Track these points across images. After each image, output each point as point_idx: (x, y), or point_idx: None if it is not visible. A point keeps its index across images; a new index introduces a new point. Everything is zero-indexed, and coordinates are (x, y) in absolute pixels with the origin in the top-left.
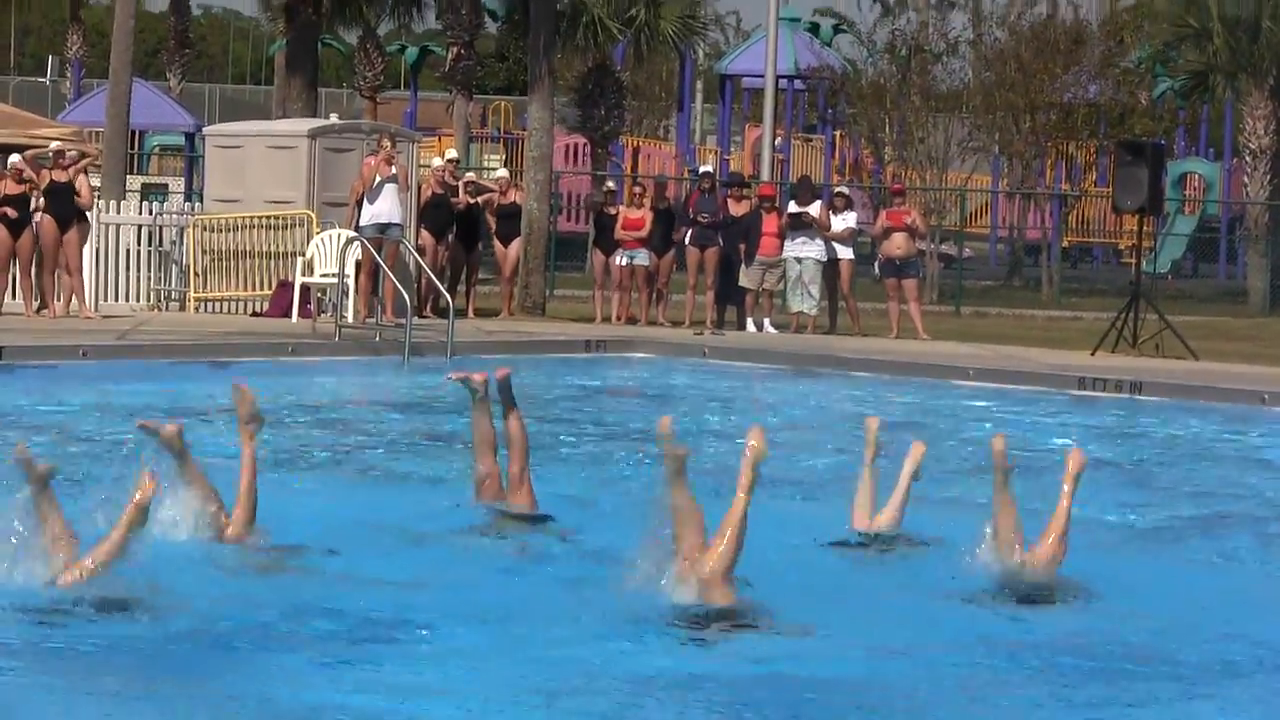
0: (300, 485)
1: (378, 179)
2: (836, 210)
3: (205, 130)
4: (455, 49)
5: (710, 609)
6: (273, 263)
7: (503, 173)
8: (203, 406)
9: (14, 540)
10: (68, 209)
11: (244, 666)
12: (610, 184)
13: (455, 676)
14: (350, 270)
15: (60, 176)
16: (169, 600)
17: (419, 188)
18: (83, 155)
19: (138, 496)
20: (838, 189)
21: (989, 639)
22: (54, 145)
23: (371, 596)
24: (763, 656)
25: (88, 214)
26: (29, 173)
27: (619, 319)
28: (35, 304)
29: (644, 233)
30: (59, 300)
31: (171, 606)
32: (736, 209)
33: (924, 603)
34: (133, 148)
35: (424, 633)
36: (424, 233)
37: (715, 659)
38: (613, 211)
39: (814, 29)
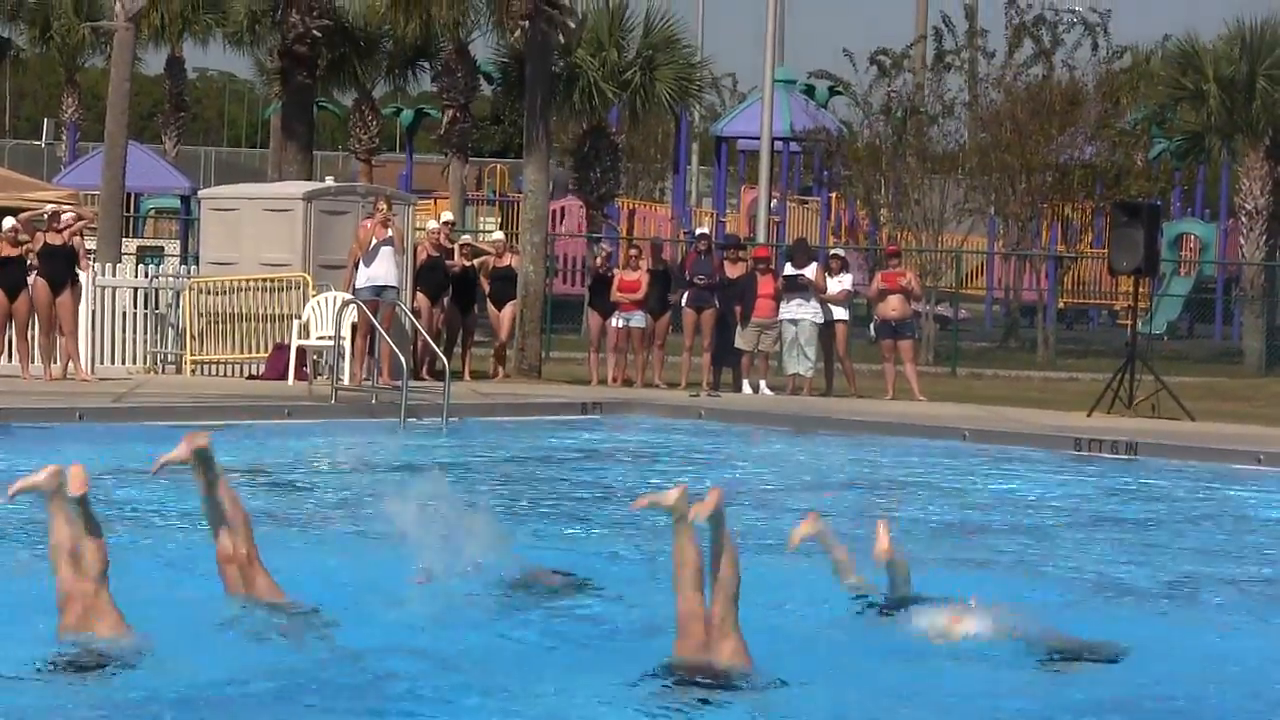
0: (296, 546)
1: (374, 242)
2: (832, 272)
3: (201, 193)
4: (451, 112)
5: (716, 666)
6: (269, 325)
7: (498, 235)
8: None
9: None
10: (62, 271)
11: None
12: (605, 246)
13: None
14: (346, 333)
15: (54, 239)
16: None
17: (414, 250)
18: (79, 218)
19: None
20: (834, 251)
21: (990, 696)
22: (49, 208)
23: (365, 658)
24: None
25: (81, 276)
26: (24, 235)
27: (615, 381)
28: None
29: (640, 295)
30: (55, 363)
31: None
32: (732, 271)
33: (926, 664)
34: (128, 210)
35: (414, 693)
36: (419, 295)
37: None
38: (611, 275)
39: (809, 91)
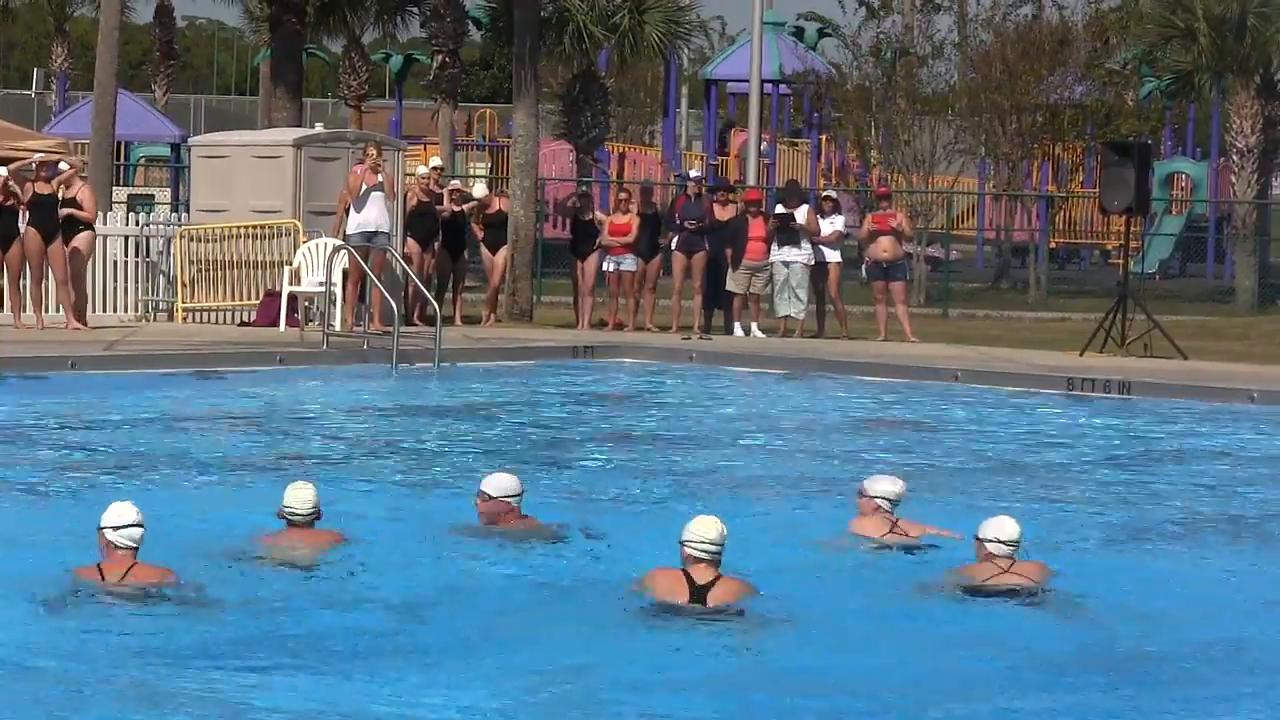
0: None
1: (364, 188)
2: (824, 214)
3: (191, 141)
4: (440, 57)
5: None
6: (260, 272)
7: (482, 189)
8: (191, 416)
9: None
10: (51, 221)
11: (224, 670)
12: (584, 189)
13: (448, 680)
14: (337, 279)
15: (44, 189)
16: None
17: (405, 196)
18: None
19: None
20: (825, 192)
21: (984, 637)
22: (37, 157)
23: (362, 602)
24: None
25: (93, 225)
26: (14, 185)
27: (607, 325)
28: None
29: (630, 238)
30: (53, 311)
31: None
32: (723, 214)
33: (919, 602)
34: (118, 159)
35: (414, 636)
36: (410, 241)
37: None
38: (588, 218)
39: (798, 33)
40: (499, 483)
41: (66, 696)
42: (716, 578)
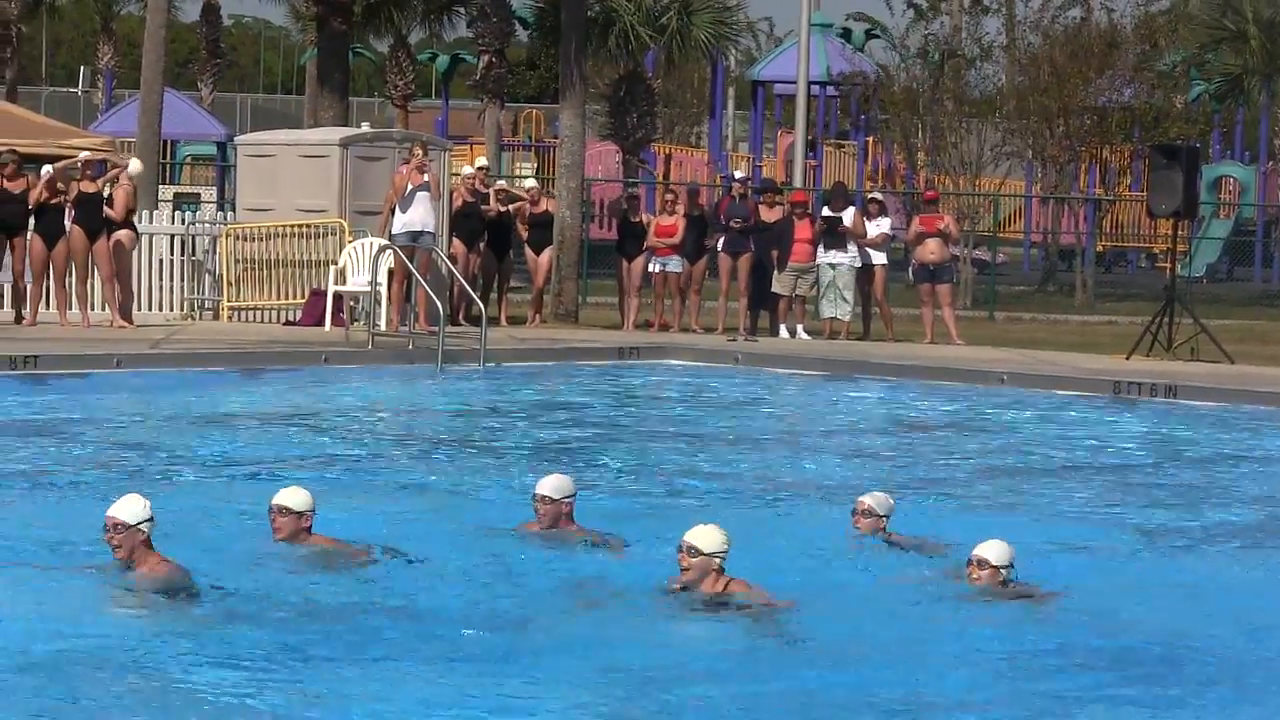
0: (334, 491)
1: (409, 187)
2: (870, 216)
3: (237, 139)
4: (486, 57)
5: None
6: (305, 271)
7: (533, 183)
8: (235, 414)
9: None
10: (96, 220)
11: (271, 663)
12: (632, 190)
13: (483, 674)
14: (383, 279)
15: (89, 188)
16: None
17: (450, 196)
18: (112, 166)
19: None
20: (871, 194)
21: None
22: (83, 155)
23: (403, 599)
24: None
25: (133, 224)
26: (61, 184)
27: (652, 326)
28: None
29: (676, 239)
30: (98, 310)
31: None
32: (769, 215)
33: (950, 604)
34: (165, 158)
35: (456, 633)
36: (455, 241)
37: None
38: (636, 219)
39: (846, 34)
40: (559, 484)
41: (110, 690)
42: (727, 583)
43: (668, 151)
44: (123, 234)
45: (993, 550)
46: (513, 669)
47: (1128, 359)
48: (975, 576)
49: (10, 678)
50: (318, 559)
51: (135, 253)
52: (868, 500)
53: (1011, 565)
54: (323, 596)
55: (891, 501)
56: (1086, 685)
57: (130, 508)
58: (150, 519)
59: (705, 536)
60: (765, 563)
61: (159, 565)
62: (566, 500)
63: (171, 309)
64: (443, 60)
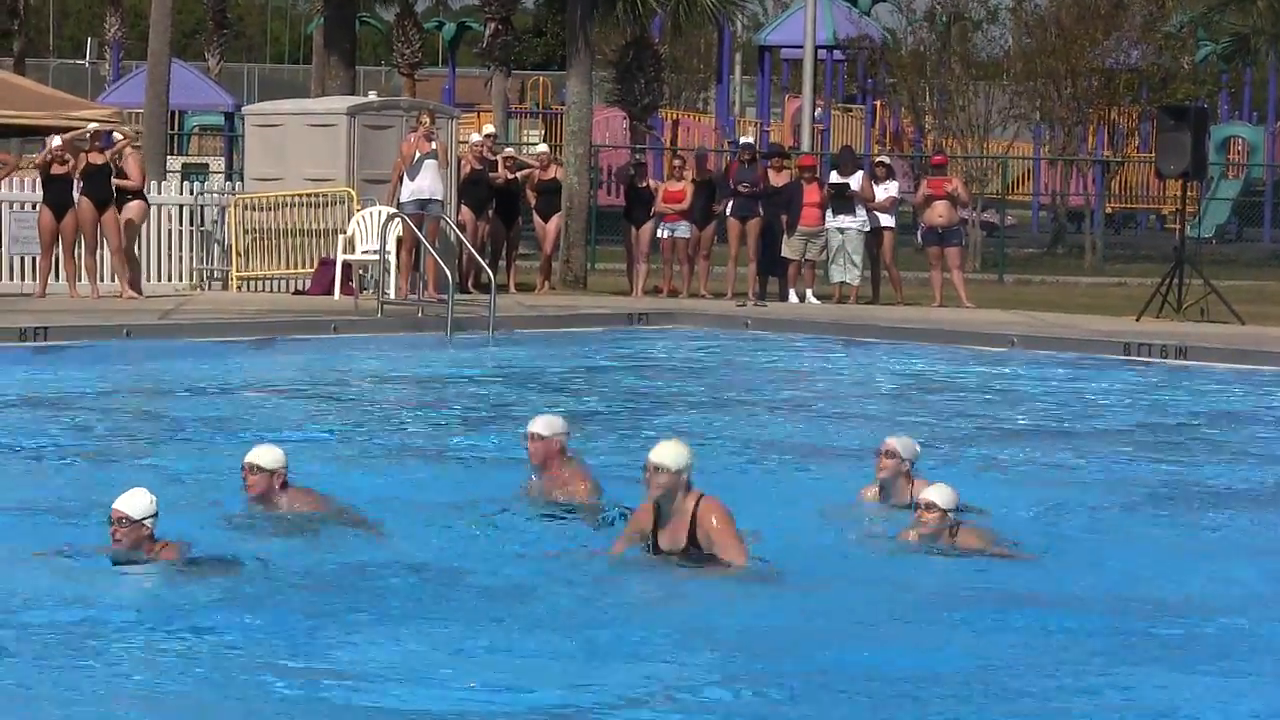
0: (346, 459)
1: (417, 155)
2: (878, 179)
3: (244, 110)
4: (493, 25)
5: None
6: (314, 240)
7: (543, 148)
8: (246, 384)
9: None
10: (104, 191)
11: (273, 629)
12: (638, 156)
13: (486, 644)
14: (391, 247)
15: (97, 159)
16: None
17: (458, 164)
18: (123, 138)
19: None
20: (879, 158)
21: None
22: (91, 127)
23: (412, 567)
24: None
25: (143, 194)
26: (69, 155)
27: (661, 292)
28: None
29: (685, 205)
30: (108, 281)
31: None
32: (777, 180)
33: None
34: (172, 128)
35: (461, 601)
36: (464, 209)
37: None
38: (643, 185)
39: None
40: (550, 422)
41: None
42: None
43: (675, 117)
44: (135, 206)
45: (939, 493)
46: (513, 632)
47: (1138, 320)
48: (924, 520)
49: (10, 645)
50: (319, 524)
51: (145, 223)
52: (893, 441)
53: (958, 509)
54: (325, 562)
55: (917, 447)
56: (1098, 648)
57: (137, 502)
58: (155, 514)
59: (670, 452)
60: (771, 522)
61: (163, 551)
62: (558, 437)
63: (181, 279)
64: (449, 28)
